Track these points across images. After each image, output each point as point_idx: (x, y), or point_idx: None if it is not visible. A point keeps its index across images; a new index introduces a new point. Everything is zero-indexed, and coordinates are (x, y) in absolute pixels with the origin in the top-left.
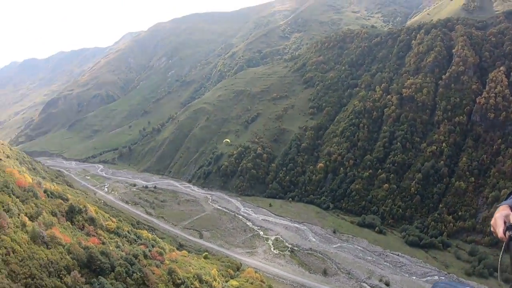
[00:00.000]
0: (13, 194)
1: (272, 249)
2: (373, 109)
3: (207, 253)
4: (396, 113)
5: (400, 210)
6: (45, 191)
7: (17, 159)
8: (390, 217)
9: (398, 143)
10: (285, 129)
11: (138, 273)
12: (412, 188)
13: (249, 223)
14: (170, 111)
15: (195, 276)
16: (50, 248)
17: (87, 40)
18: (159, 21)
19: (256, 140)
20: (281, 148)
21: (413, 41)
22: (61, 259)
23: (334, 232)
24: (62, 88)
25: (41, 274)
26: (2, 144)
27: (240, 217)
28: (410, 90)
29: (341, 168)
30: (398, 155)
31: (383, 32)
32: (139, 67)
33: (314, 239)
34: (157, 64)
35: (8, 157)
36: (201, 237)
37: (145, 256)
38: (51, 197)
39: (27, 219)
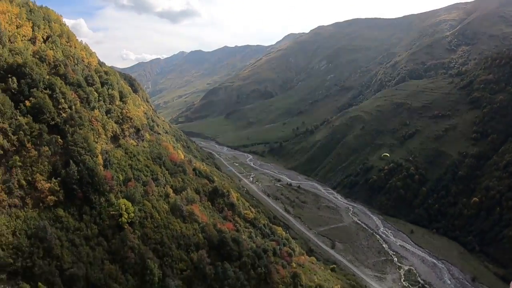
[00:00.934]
0: (164, 166)
1: (402, 280)
2: None
3: (335, 265)
4: None
5: None
6: (194, 169)
7: (174, 136)
8: None
9: None
10: (443, 152)
11: (263, 268)
12: None
13: (385, 245)
14: (325, 114)
15: (318, 287)
16: (186, 223)
17: (251, 38)
18: (320, 24)
19: (410, 158)
20: (436, 172)
21: None
22: (194, 235)
23: (473, 280)
24: (224, 79)
25: (171, 244)
26: (163, 120)
27: (378, 236)
28: None
29: (498, 208)
30: None
31: None
32: (298, 68)
33: (449, 282)
34: (316, 66)
35: (166, 132)
36: (333, 247)
37: (274, 253)
38: (199, 176)
39: (171, 191)
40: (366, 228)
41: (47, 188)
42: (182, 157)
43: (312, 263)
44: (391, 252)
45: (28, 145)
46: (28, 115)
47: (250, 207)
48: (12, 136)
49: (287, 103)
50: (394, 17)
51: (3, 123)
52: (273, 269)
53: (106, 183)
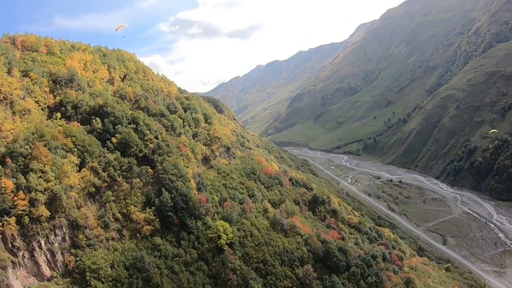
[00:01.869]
0: (259, 181)
1: None
2: None
3: (449, 264)
4: None
5: None
6: (290, 179)
7: (266, 148)
8: None
9: None
10: None
11: (373, 277)
12: None
13: (501, 235)
14: (415, 100)
15: None
16: (288, 237)
17: (322, 37)
18: (389, 7)
19: None
20: None
21: None
22: (297, 249)
23: None
24: (305, 84)
25: (273, 261)
26: (253, 135)
27: (492, 225)
28: None
29: None
30: None
31: None
32: (377, 57)
33: None
34: (396, 51)
35: (258, 146)
36: (444, 243)
37: (384, 259)
38: (296, 186)
39: (269, 205)
40: (478, 217)
41: (142, 219)
42: (277, 168)
43: (425, 264)
44: (508, 242)
45: (119, 179)
46: (116, 151)
47: (353, 210)
48: (103, 173)
49: (373, 95)
50: None
51: (92, 162)
52: (385, 276)
53: (201, 206)
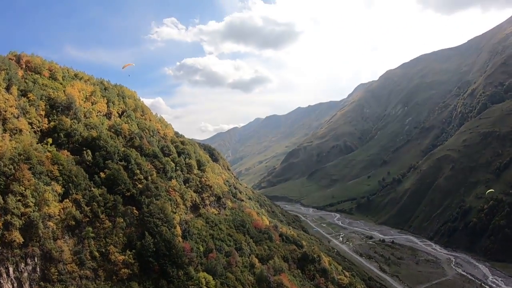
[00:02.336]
0: (248, 234)
1: None
2: None
3: None
4: None
5: None
6: (280, 235)
7: (257, 201)
8: None
9: None
10: None
11: None
12: None
13: None
14: (410, 160)
15: None
16: None
17: (322, 95)
18: (388, 68)
19: (511, 191)
20: None
21: None
22: None
23: None
24: (302, 140)
25: None
26: (246, 187)
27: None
28: None
29: None
30: None
31: None
32: (374, 117)
33: None
34: (393, 112)
35: (250, 198)
36: None
37: None
38: (286, 242)
39: (257, 260)
40: (473, 279)
41: (121, 261)
42: (267, 223)
43: None
44: None
45: (102, 216)
46: (103, 187)
47: (344, 270)
48: (86, 207)
49: (368, 155)
50: (459, 44)
51: (77, 194)
52: None
53: (184, 255)
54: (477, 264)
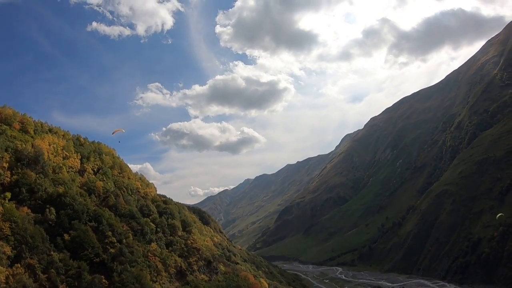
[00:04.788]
0: None
1: None
2: None
3: None
4: None
5: None
6: None
7: (253, 263)
8: None
9: None
10: None
11: None
12: None
13: None
14: (407, 202)
15: None
16: None
17: (311, 149)
18: (371, 115)
19: None
20: None
21: None
22: None
23: None
24: (294, 196)
25: None
26: (240, 249)
27: None
28: None
29: None
30: None
31: None
32: (365, 164)
33: None
34: (382, 157)
35: (245, 261)
36: None
37: None
38: None
39: None
40: None
41: None
42: (267, 286)
43: None
44: None
45: (62, 286)
46: (65, 251)
47: None
48: (42, 274)
49: (363, 203)
50: (438, 81)
51: (31, 258)
52: None
53: None
54: None
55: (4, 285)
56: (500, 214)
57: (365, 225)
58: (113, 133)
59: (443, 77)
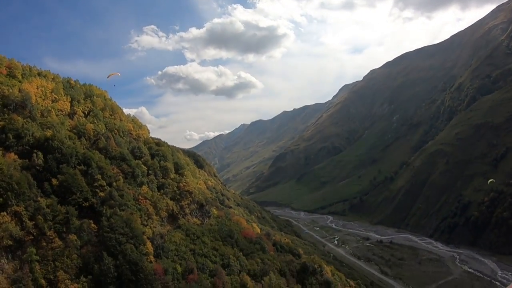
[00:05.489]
0: (237, 246)
1: None
2: None
3: None
4: None
5: None
6: (274, 244)
7: (246, 208)
8: None
9: None
10: None
11: None
12: None
13: None
14: (401, 157)
15: None
16: None
17: (308, 99)
18: (371, 68)
19: (511, 181)
20: None
21: None
22: None
23: None
24: (289, 143)
25: None
26: (234, 193)
27: (498, 284)
28: None
29: None
30: None
31: None
32: (361, 117)
33: None
34: (379, 111)
35: (238, 205)
36: None
37: None
38: (281, 252)
39: (249, 279)
40: (481, 276)
41: None
42: (258, 230)
43: None
44: None
45: (50, 233)
46: (53, 196)
47: (348, 280)
48: (29, 222)
49: (357, 154)
50: (442, 40)
51: (18, 205)
52: None
53: (156, 279)
54: (483, 259)
55: None
56: (491, 180)
57: (357, 176)
58: (108, 77)
59: (447, 37)
